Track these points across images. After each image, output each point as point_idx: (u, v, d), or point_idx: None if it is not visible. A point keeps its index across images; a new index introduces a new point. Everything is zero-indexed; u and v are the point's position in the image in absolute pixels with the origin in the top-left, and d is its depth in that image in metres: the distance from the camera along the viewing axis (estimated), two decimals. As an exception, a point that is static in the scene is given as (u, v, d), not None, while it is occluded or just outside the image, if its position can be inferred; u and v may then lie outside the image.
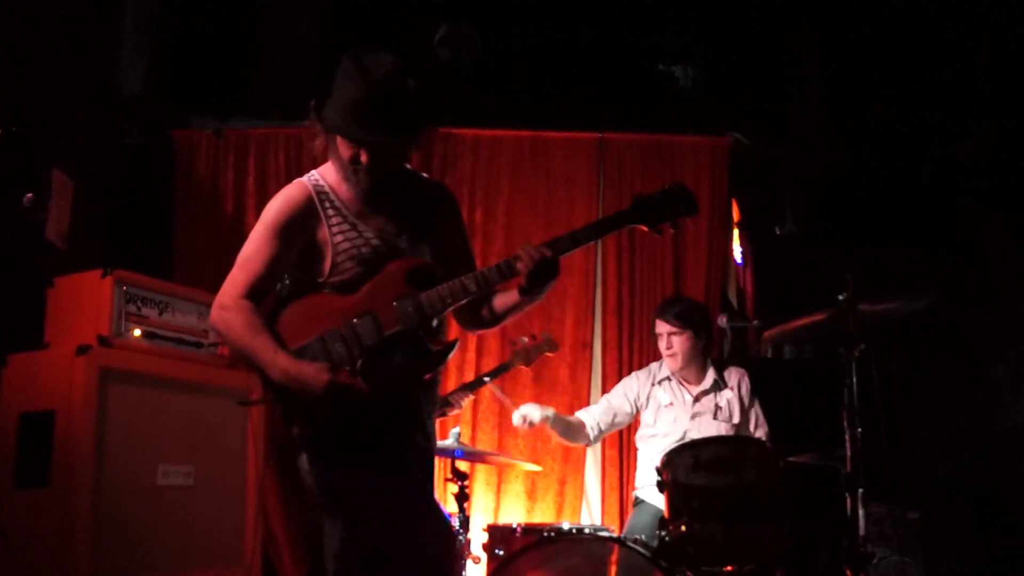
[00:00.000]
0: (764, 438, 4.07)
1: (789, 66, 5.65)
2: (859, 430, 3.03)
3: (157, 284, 3.74)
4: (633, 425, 4.47)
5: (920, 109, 5.19)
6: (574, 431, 4.23)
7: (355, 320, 2.34)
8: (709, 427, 4.06)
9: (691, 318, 4.09)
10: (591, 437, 4.29)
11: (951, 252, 4.91)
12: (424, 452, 2.53)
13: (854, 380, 3.06)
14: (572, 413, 4.46)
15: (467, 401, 4.24)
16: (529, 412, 4.04)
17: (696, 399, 4.14)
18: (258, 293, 2.40)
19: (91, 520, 3.22)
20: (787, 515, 3.17)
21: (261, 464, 3.94)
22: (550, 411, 4.09)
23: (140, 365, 3.52)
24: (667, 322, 4.11)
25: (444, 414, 3.99)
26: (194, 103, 5.23)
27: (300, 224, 2.41)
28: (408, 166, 2.54)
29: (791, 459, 3.31)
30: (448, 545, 2.38)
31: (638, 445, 4.30)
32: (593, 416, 4.28)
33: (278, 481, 4.49)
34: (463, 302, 2.41)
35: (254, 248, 2.42)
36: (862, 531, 2.98)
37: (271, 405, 2.44)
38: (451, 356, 2.47)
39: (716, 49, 5.58)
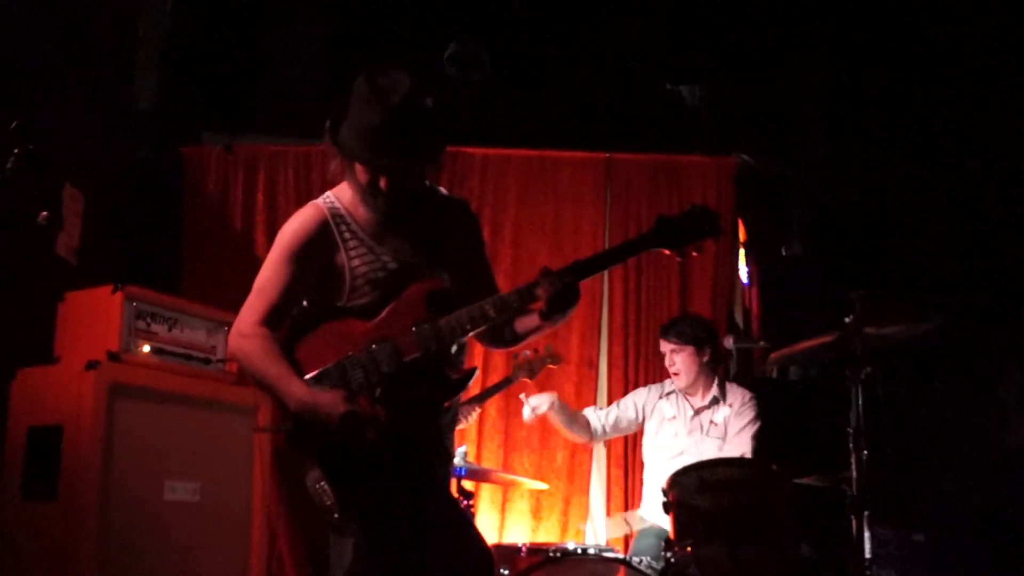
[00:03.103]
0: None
1: (794, 87, 5.68)
2: (865, 452, 3.02)
3: (167, 300, 3.76)
4: (638, 444, 4.48)
5: (925, 129, 5.21)
6: (576, 423, 4.26)
7: (374, 346, 2.32)
8: (703, 443, 4.07)
9: (691, 334, 4.12)
10: (594, 434, 4.31)
11: (957, 273, 4.92)
12: (445, 472, 2.54)
13: (860, 402, 3.06)
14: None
15: (474, 416, 4.26)
16: (538, 402, 4.08)
17: (696, 413, 4.15)
18: (276, 319, 2.37)
19: (97, 535, 3.23)
20: (793, 537, 3.17)
21: (267, 481, 3.94)
22: (554, 396, 4.14)
23: (149, 381, 3.53)
24: (668, 340, 4.16)
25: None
26: (204, 119, 5.27)
27: (316, 248, 2.38)
28: (427, 182, 2.50)
29: (797, 481, 3.30)
30: (487, 564, 2.37)
31: (644, 459, 4.32)
32: (599, 417, 4.33)
33: (284, 498, 4.49)
34: (482, 328, 2.39)
35: (270, 274, 2.39)
36: (868, 553, 2.97)
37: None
38: (470, 384, 2.44)
39: (722, 70, 5.61)
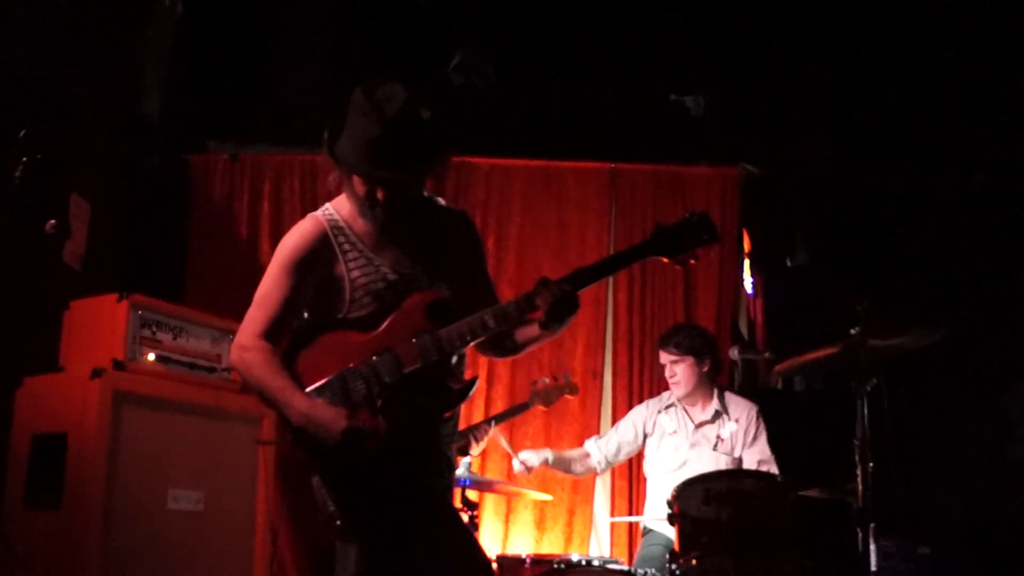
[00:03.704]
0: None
1: (799, 96, 5.69)
2: (870, 464, 3.01)
3: (172, 308, 3.77)
4: (641, 455, 4.47)
5: (930, 140, 5.20)
6: (577, 464, 4.30)
7: (374, 357, 2.32)
8: (708, 458, 4.04)
9: (689, 344, 4.10)
10: (599, 467, 4.33)
11: (962, 284, 4.91)
12: (447, 483, 2.54)
13: (865, 413, 3.05)
14: (582, 441, 4.48)
15: (487, 439, 4.25)
16: (527, 458, 4.14)
17: (697, 427, 4.14)
18: (276, 331, 2.38)
19: (100, 543, 3.23)
20: (797, 549, 3.15)
21: (271, 489, 3.94)
22: (548, 453, 4.20)
23: (153, 389, 3.54)
24: (667, 351, 4.14)
25: (465, 450, 3.98)
26: (210, 128, 5.29)
27: (315, 260, 2.39)
28: (425, 192, 2.52)
29: (802, 493, 3.29)
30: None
31: (646, 474, 4.31)
32: (600, 448, 4.32)
33: (288, 506, 4.49)
34: (482, 339, 2.39)
35: (270, 286, 2.40)
36: (873, 566, 2.96)
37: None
38: (471, 394, 2.44)
39: (726, 80, 5.62)
